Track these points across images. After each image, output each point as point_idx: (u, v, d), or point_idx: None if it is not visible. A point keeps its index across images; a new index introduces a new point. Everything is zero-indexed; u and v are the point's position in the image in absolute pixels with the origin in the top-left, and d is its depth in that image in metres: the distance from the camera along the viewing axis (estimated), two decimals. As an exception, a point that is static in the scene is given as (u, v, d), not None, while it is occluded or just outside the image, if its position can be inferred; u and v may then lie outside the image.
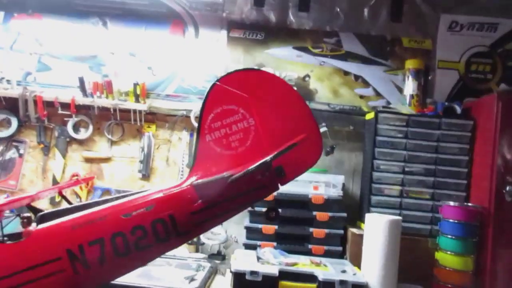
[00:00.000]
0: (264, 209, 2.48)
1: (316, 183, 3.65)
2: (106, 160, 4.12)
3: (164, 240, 2.00)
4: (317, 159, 2.19)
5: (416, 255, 3.43)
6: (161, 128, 4.13)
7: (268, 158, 1.92)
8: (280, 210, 2.50)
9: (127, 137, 4.13)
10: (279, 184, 2.14)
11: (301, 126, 2.09)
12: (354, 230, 3.58)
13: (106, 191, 4.06)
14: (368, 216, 3.23)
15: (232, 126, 2.06)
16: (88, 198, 4.02)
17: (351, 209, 3.80)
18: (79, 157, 4.11)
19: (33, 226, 2.07)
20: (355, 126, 4.03)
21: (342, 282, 2.94)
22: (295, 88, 2.28)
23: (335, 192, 3.63)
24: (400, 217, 3.22)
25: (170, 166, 4.11)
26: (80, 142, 4.11)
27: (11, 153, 4.07)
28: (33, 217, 2.16)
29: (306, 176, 3.77)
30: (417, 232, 3.52)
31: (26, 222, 2.10)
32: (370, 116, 3.78)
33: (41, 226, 2.04)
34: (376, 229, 3.14)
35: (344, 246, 3.63)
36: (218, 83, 2.08)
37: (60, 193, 2.58)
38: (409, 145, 3.56)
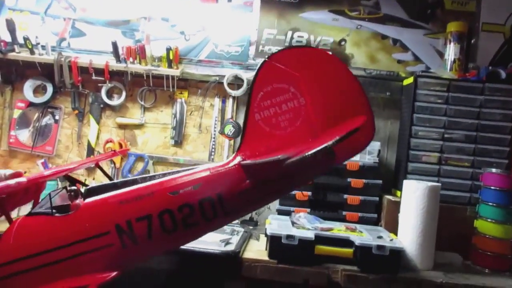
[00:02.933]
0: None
1: (352, 150, 3.58)
2: (139, 126, 4.14)
3: (211, 218, 1.99)
4: (368, 144, 2.11)
5: (454, 223, 3.35)
6: (193, 95, 4.10)
7: (330, 143, 1.80)
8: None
9: (159, 103, 4.12)
10: (329, 164, 2.09)
11: (354, 107, 2.00)
12: (390, 197, 3.52)
13: (140, 158, 4.09)
14: (406, 183, 3.15)
15: (282, 105, 1.99)
16: (122, 164, 4.07)
17: (386, 178, 3.72)
18: (112, 123, 4.14)
19: (80, 200, 2.09)
20: (392, 93, 3.91)
21: (380, 247, 2.90)
22: (348, 68, 2.17)
23: (370, 159, 3.56)
24: (439, 184, 3.14)
25: (202, 133, 4.10)
26: (114, 109, 4.14)
27: (47, 119, 4.14)
28: (78, 189, 2.18)
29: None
30: (455, 200, 3.43)
31: (74, 195, 2.13)
32: (408, 81, 3.66)
33: (88, 200, 2.06)
34: (414, 196, 3.07)
35: (379, 214, 3.58)
36: (268, 60, 2.01)
37: (97, 165, 2.59)
38: (450, 111, 3.43)
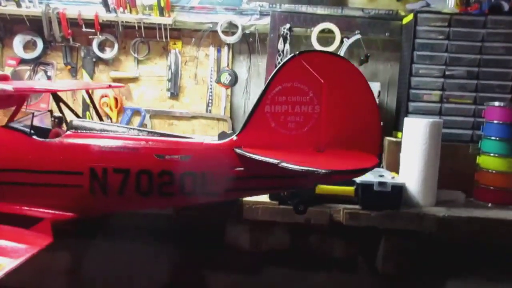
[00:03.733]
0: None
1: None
2: (134, 80, 4.05)
3: (188, 194, 1.90)
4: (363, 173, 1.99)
5: (456, 161, 3.31)
6: (187, 45, 3.99)
7: (322, 171, 1.68)
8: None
9: (153, 55, 4.02)
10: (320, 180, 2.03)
11: (366, 139, 1.90)
12: (391, 138, 3.47)
13: (136, 112, 4.02)
14: (407, 120, 3.09)
15: (296, 106, 1.89)
16: (119, 120, 4.00)
17: (386, 122, 3.65)
18: (106, 78, 4.04)
19: (62, 130, 2.00)
20: (391, 33, 3.79)
21: (381, 184, 2.87)
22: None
23: (371, 101, 3.49)
24: (441, 119, 3.08)
25: (198, 84, 4.01)
26: (107, 63, 4.03)
27: (40, 76, 4.04)
28: (63, 117, 2.10)
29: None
30: (457, 138, 3.38)
31: (57, 122, 2.04)
32: (408, 19, 3.54)
33: (71, 132, 1.95)
34: (416, 133, 3.01)
35: (380, 156, 3.54)
36: (298, 56, 1.89)
37: (87, 92, 2.49)
38: (451, 47, 3.33)
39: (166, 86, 4.02)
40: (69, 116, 2.47)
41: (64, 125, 2.04)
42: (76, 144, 1.93)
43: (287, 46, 3.78)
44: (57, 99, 2.29)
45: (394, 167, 3.26)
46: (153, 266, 3.03)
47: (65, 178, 1.86)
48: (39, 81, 3.67)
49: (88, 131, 1.97)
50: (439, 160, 3.03)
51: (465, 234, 2.90)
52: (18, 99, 2.14)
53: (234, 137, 1.94)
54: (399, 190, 2.88)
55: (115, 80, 4.03)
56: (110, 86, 3.01)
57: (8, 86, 1.86)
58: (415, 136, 3.01)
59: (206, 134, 3.88)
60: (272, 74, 1.94)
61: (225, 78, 3.85)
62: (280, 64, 1.92)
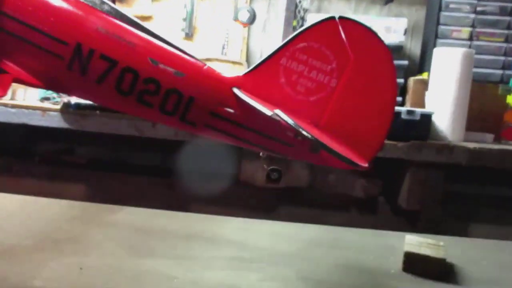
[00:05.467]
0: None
1: (376, 28, 3.34)
2: (148, 18, 3.89)
3: (165, 112, 1.71)
4: (356, 168, 1.85)
5: (484, 103, 3.16)
6: (204, -17, 3.85)
7: (314, 138, 1.55)
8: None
9: (168, -7, 3.87)
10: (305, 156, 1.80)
11: (365, 136, 1.69)
12: (416, 77, 3.32)
13: (148, 53, 3.87)
14: (437, 50, 2.94)
15: (312, 71, 1.69)
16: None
17: (410, 67, 3.51)
18: (119, 16, 3.89)
19: None
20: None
21: (410, 112, 2.72)
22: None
23: (396, 38, 3.34)
24: (472, 50, 2.93)
25: (214, 24, 3.86)
26: (121, 0, 3.88)
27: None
28: None
29: (364, 20, 3.53)
30: (487, 79, 3.23)
31: None
32: (439, -48, 3.38)
33: None
34: (447, 63, 2.86)
35: (403, 97, 3.39)
36: (336, 20, 1.66)
37: None
38: (483, -19, 3.19)
39: (181, 26, 3.86)
40: None
41: None
42: (72, 12, 1.70)
43: (309, -17, 3.63)
44: None
45: (419, 106, 3.11)
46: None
47: (48, 42, 1.63)
48: None
49: (91, 4, 1.79)
50: (469, 91, 2.88)
51: (496, 169, 2.76)
52: None
53: (238, 76, 1.78)
54: (428, 118, 2.74)
55: (128, 18, 3.87)
56: None
57: None
58: (446, 66, 2.86)
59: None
60: (302, 28, 1.73)
61: (243, 15, 3.69)
62: (314, 22, 1.74)
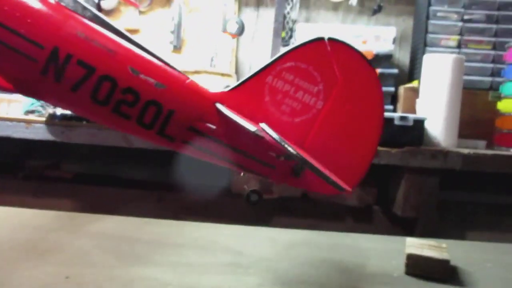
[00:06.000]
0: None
1: (364, 37, 3.36)
2: (135, 32, 3.85)
3: (143, 125, 1.65)
4: (334, 194, 1.80)
5: (475, 109, 3.17)
6: (192, -5, 3.84)
7: (299, 155, 1.51)
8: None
9: (155, 5, 3.84)
10: (286, 179, 1.75)
11: (350, 163, 1.67)
12: (407, 85, 3.31)
13: (136, 66, 3.82)
14: (427, 57, 2.94)
15: (298, 92, 1.66)
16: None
17: (398, 75, 3.51)
18: (106, 29, 3.85)
19: None
20: (405, -18, 3.68)
21: (403, 118, 2.70)
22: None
23: (386, 47, 3.35)
24: (463, 56, 2.94)
25: (203, 36, 3.84)
26: (107, 13, 3.84)
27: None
28: None
29: (352, 30, 3.55)
30: (476, 86, 3.24)
31: None
32: (425, -38, 3.43)
33: (53, 0, 1.66)
34: (437, 69, 2.86)
35: (394, 105, 3.38)
36: (326, 41, 1.66)
37: None
38: (470, -11, 3.23)
39: (169, 39, 3.83)
40: None
41: None
42: (52, 15, 1.64)
43: (297, -6, 3.64)
44: None
45: (410, 113, 3.10)
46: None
47: (22, 44, 1.57)
48: None
49: (72, 10, 1.72)
50: (461, 97, 2.88)
51: (490, 173, 2.74)
52: None
53: (222, 91, 1.73)
54: (421, 124, 2.72)
55: (115, 32, 3.83)
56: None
57: None
58: (437, 72, 2.86)
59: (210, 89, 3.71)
60: (290, 47, 1.69)
61: (232, 26, 3.68)
62: (302, 42, 1.68)
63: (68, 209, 3.06)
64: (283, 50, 1.70)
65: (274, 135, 1.51)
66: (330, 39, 1.65)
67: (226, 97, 1.69)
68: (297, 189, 3.06)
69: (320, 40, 1.66)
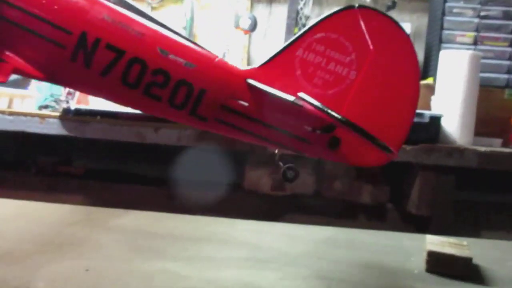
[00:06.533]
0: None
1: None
2: (147, 27, 3.85)
3: (175, 106, 1.62)
4: (374, 165, 1.77)
5: (490, 108, 3.13)
6: (204, -10, 3.83)
7: (343, 118, 1.49)
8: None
9: (167, 1, 3.84)
10: (322, 153, 1.71)
11: (388, 131, 1.60)
12: (421, 82, 3.28)
13: (148, 62, 3.82)
14: (444, 53, 2.91)
15: (330, 63, 1.63)
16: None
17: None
18: (118, 25, 3.85)
19: None
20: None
21: (418, 114, 2.67)
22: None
23: (400, 43, 3.32)
24: (480, 53, 2.91)
25: (215, 32, 3.83)
26: (119, 9, 3.84)
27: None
28: None
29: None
30: (492, 83, 3.20)
31: None
32: (441, -43, 3.39)
33: None
34: (454, 66, 2.83)
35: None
36: (356, 10, 1.62)
37: None
38: (486, -15, 3.19)
39: (181, 34, 3.82)
40: None
41: None
42: (79, 1, 1.61)
43: (310, -10, 3.62)
44: None
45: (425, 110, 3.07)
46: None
47: (49, 30, 1.55)
48: None
49: None
50: (477, 96, 2.85)
51: (504, 171, 2.70)
52: None
53: (252, 67, 1.71)
54: (437, 121, 2.69)
55: (127, 27, 3.84)
56: None
57: None
58: (453, 69, 2.82)
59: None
60: (319, 18, 1.65)
61: (244, 22, 3.66)
62: (333, 11, 1.67)
63: (79, 204, 3.08)
64: (312, 23, 1.66)
65: (315, 102, 1.48)
66: (360, 6, 1.62)
67: (256, 73, 1.66)
68: (310, 186, 3.05)
69: (350, 8, 1.62)
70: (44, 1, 1.55)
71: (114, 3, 1.68)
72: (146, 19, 1.66)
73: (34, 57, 1.57)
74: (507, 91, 3.17)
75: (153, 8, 3.82)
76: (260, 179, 3.08)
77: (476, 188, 3.05)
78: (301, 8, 3.65)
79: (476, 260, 1.76)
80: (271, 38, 3.84)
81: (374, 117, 1.59)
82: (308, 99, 1.48)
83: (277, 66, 1.64)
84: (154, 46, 1.59)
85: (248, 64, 3.87)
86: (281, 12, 3.78)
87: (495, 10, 3.19)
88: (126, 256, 1.62)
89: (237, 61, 3.81)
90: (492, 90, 3.17)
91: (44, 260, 1.53)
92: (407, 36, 1.63)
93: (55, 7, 1.55)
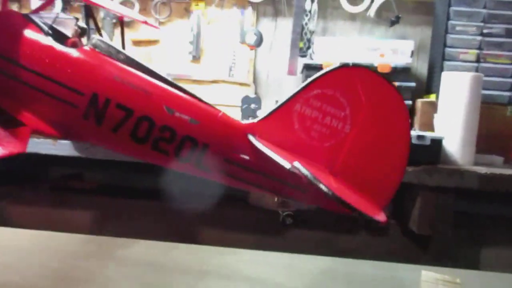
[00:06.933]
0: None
1: (382, 50, 3.38)
2: (154, 42, 3.93)
3: (181, 159, 1.76)
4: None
5: (492, 124, 3.17)
6: (209, 6, 3.87)
7: (329, 192, 1.56)
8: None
9: (174, 17, 3.90)
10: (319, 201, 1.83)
11: (380, 183, 1.72)
12: (424, 99, 3.33)
13: (156, 75, 3.90)
14: (445, 75, 2.96)
15: (326, 118, 1.74)
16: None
17: (416, 87, 3.52)
18: (126, 40, 3.92)
19: (81, 42, 1.86)
20: (424, -6, 3.67)
21: (420, 137, 2.74)
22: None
23: (403, 60, 3.36)
24: (481, 74, 2.95)
25: (221, 47, 3.89)
26: (127, 24, 3.91)
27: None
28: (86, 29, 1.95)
29: (370, 43, 3.57)
30: (494, 100, 3.24)
31: (80, 32, 1.90)
32: (443, -25, 3.41)
33: (88, 48, 1.79)
34: (455, 87, 2.88)
35: (412, 119, 3.40)
36: (349, 68, 1.76)
37: (120, 19, 2.37)
38: (489, 3, 3.20)
39: (188, 49, 3.89)
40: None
41: (83, 39, 1.88)
42: (89, 63, 1.76)
43: (315, 5, 3.66)
44: (88, 11, 2.16)
45: (428, 128, 3.12)
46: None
47: (63, 92, 1.70)
48: None
49: (107, 54, 1.81)
50: (478, 115, 2.90)
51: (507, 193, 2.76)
52: None
53: (252, 121, 1.79)
54: (438, 143, 2.75)
55: (135, 42, 3.92)
56: (146, 23, 2.82)
57: None
58: (455, 90, 2.87)
59: (228, 99, 3.78)
60: (316, 75, 1.76)
61: (250, 37, 3.72)
62: (328, 68, 1.75)
63: (91, 220, 3.21)
64: (308, 79, 1.75)
65: (307, 173, 1.56)
66: (354, 65, 1.71)
67: (257, 127, 1.78)
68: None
69: (344, 67, 1.75)
70: (58, 65, 1.65)
71: (123, 62, 1.77)
72: (154, 76, 1.75)
73: (50, 117, 1.68)
74: (509, 108, 3.21)
75: (160, 23, 3.89)
76: (263, 195, 3.17)
77: (479, 205, 3.12)
78: (306, 23, 3.70)
79: (470, 295, 1.84)
80: (277, 52, 3.90)
81: (367, 170, 1.70)
82: (302, 169, 1.56)
83: (277, 119, 1.76)
84: (161, 104, 1.73)
85: (255, 77, 3.94)
86: (286, 26, 3.83)
87: (498, 27, 3.22)
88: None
89: (244, 74, 3.89)
90: (495, 107, 3.22)
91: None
92: (399, 93, 1.72)
93: (68, 70, 1.65)
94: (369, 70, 1.79)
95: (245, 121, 1.88)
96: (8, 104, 1.68)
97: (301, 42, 3.72)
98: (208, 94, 3.89)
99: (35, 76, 1.66)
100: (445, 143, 2.87)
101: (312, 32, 3.72)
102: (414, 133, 2.74)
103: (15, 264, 1.92)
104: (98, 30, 2.28)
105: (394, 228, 3.09)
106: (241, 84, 3.91)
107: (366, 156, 1.73)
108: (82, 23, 1.91)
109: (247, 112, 3.53)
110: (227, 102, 3.73)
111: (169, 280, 1.85)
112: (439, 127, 2.98)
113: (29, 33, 1.73)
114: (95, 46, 1.80)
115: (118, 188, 3.52)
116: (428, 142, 2.72)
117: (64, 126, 1.73)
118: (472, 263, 3.02)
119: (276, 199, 2.01)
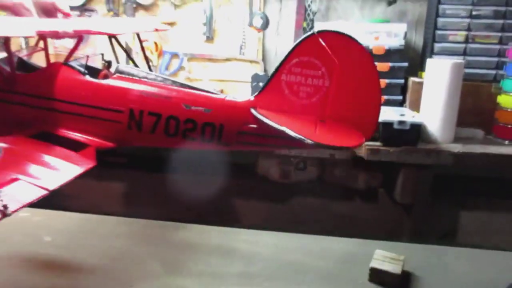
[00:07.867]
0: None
1: (377, 33, 3.63)
2: (171, 24, 4.29)
3: (206, 141, 2.22)
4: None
5: (478, 100, 3.46)
6: (221, -12, 4.16)
7: (310, 141, 2.00)
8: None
9: (189, 0, 4.22)
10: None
11: (363, 120, 2.13)
12: (415, 79, 3.61)
13: (175, 55, 4.31)
14: (429, 61, 3.24)
15: (308, 79, 2.11)
16: (159, 62, 4.31)
17: (413, 60, 3.78)
18: (146, 22, 4.30)
19: (110, 72, 2.33)
20: (421, -28, 3.81)
21: (401, 122, 3.10)
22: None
23: (397, 42, 3.61)
24: (462, 61, 3.21)
25: (232, 27, 4.22)
26: (146, 8, 4.28)
27: (85, 22, 4.34)
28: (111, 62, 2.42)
29: (366, 26, 3.81)
30: (481, 78, 3.50)
31: (107, 65, 2.36)
32: (437, -43, 3.55)
33: (117, 76, 2.26)
34: (437, 74, 3.17)
35: (404, 96, 3.71)
36: (316, 35, 2.07)
37: (139, 37, 2.81)
38: (479, -14, 3.37)
39: (202, 30, 4.25)
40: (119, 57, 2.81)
41: (111, 68, 2.36)
42: (120, 87, 2.23)
43: (317, -14, 3.89)
44: (111, 43, 2.62)
45: (417, 106, 3.44)
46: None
47: (108, 114, 2.19)
48: (95, 21, 3.82)
49: (131, 76, 2.29)
50: (458, 100, 3.20)
51: (479, 168, 3.14)
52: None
53: (252, 98, 2.22)
54: (417, 128, 3.11)
55: (154, 24, 4.29)
56: (156, 30, 3.24)
57: (68, 27, 2.18)
58: (437, 76, 3.17)
59: (240, 75, 4.18)
60: (291, 48, 2.14)
61: (257, 21, 4.03)
62: (299, 39, 2.13)
63: (124, 192, 3.81)
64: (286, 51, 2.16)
65: (292, 133, 2.03)
66: (319, 31, 2.13)
67: (256, 101, 2.24)
68: (313, 174, 3.61)
69: (312, 35, 2.11)
70: (99, 95, 2.18)
71: (144, 77, 2.26)
72: (169, 83, 2.24)
73: (104, 134, 2.22)
74: (493, 85, 3.46)
75: (176, 6, 4.23)
76: (270, 168, 3.67)
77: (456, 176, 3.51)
78: (309, 5, 3.95)
79: (414, 270, 2.32)
80: (283, 31, 4.20)
81: (351, 108, 2.15)
82: (288, 132, 2.03)
83: (270, 91, 2.22)
84: (179, 103, 2.24)
85: (263, 55, 4.28)
86: (292, 7, 4.09)
87: (486, 10, 3.39)
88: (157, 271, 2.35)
89: (253, 52, 4.24)
90: (482, 84, 3.48)
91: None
92: (361, 45, 2.10)
93: (107, 97, 2.18)
94: (334, 31, 2.13)
95: (244, 100, 2.29)
96: (72, 133, 2.22)
97: (305, 22, 4.01)
98: (222, 71, 4.35)
99: (88, 108, 2.19)
100: (426, 123, 3.22)
101: (315, 13, 3.98)
102: (396, 119, 3.10)
103: (67, 244, 2.53)
104: (127, 55, 2.72)
105: (383, 197, 3.55)
106: (251, 61, 4.27)
107: (347, 100, 2.15)
108: (106, 58, 2.37)
109: (257, 89, 3.93)
110: (239, 78, 4.17)
111: (181, 259, 2.45)
112: (424, 108, 3.32)
113: (74, 78, 2.23)
114: (121, 72, 2.29)
115: (149, 160, 4.02)
116: (408, 127, 3.09)
117: (116, 138, 2.26)
118: (451, 225, 3.49)
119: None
